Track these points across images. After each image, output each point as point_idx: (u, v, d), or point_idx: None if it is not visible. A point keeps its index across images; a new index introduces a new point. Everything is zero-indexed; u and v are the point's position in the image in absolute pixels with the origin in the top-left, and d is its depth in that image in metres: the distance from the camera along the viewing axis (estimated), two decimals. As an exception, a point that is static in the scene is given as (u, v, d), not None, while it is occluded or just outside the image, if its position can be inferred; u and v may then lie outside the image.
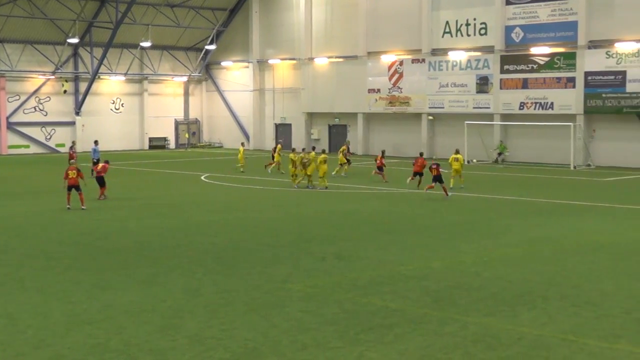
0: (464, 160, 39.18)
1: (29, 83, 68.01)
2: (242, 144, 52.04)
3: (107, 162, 35.92)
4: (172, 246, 23.03)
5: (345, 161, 45.49)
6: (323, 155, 38.65)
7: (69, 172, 31.20)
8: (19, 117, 67.47)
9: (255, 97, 73.23)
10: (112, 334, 14.06)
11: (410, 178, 38.01)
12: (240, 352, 13.06)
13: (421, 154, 40.28)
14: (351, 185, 39.78)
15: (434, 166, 34.61)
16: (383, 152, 44.90)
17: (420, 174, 38.01)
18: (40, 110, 68.64)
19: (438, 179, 34.36)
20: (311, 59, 67.97)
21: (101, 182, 34.15)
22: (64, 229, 26.45)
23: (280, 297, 16.74)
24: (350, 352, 13.01)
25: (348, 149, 47.80)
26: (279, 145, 49.53)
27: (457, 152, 38.70)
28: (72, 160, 32.66)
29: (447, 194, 34.44)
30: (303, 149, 55.34)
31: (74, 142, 52.25)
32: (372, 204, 33.04)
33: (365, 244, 23.22)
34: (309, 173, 38.67)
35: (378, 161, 42.74)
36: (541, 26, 54.65)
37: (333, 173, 43.70)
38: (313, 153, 39.68)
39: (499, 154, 54.51)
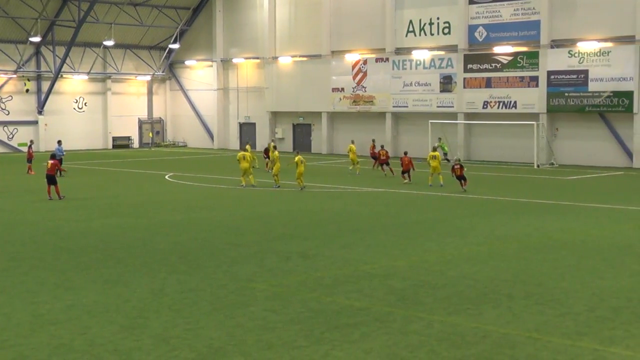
0: (441, 158, 39.70)
1: (-10, 82, 67.30)
2: (248, 143, 51.91)
3: (53, 157, 35.31)
4: (136, 246, 22.88)
5: (357, 161, 46.38)
6: (298, 157, 37.62)
7: None
8: (-20, 116, 66.82)
9: (219, 96, 73.00)
10: (76, 334, 13.94)
11: (406, 180, 39.82)
12: (205, 352, 13.01)
13: (405, 153, 41.78)
14: (319, 185, 39.76)
15: (457, 166, 36.53)
16: (382, 146, 46.78)
17: (407, 171, 39.84)
18: (2, 109, 67.82)
19: (462, 177, 36.24)
20: (275, 58, 67.88)
21: (51, 180, 33.78)
22: (26, 229, 26.18)
23: (245, 296, 16.70)
24: (316, 351, 13.01)
25: (374, 146, 49.48)
26: (272, 143, 48.94)
27: (434, 149, 39.48)
28: None
29: (464, 188, 36.21)
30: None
31: (31, 141, 51.85)
32: (338, 203, 33.05)
33: (330, 243, 23.22)
34: (274, 172, 38.67)
35: (384, 157, 44.66)
36: (504, 25, 55.04)
37: (350, 168, 46.09)
38: (276, 152, 39.55)
39: (445, 153, 52.45)
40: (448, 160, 52.05)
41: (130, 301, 16.30)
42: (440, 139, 54.34)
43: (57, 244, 23.22)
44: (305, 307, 15.77)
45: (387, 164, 44.56)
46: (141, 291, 17.17)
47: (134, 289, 17.34)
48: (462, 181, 36.34)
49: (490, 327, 14.33)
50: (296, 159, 37.54)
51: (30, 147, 49.18)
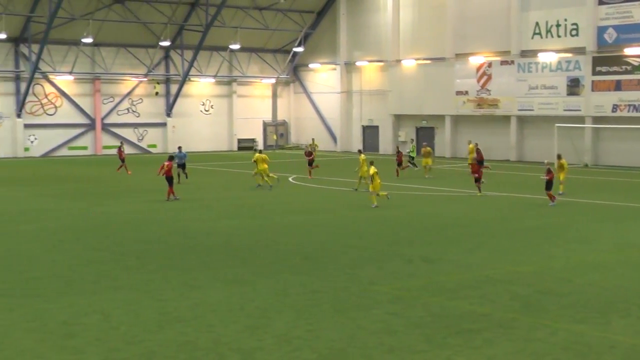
0: (567, 165, 36.76)
1: (123, 85, 69.56)
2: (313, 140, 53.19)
3: (171, 159, 36.01)
4: (259, 246, 23.24)
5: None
6: (372, 167, 32.93)
7: None
8: (112, 119, 69.11)
9: (342, 99, 73.33)
10: (202, 332, 14.27)
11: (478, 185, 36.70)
12: (326, 353, 13.10)
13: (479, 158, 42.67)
14: (439, 188, 39.44)
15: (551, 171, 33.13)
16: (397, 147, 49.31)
17: (479, 178, 36.76)
18: (133, 111, 70.10)
19: (551, 182, 32.85)
20: (398, 61, 67.73)
21: (170, 181, 34.62)
22: (154, 228, 26.92)
23: (367, 299, 16.73)
24: (437, 356, 12.93)
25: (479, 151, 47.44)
26: (428, 148, 48.32)
27: (559, 157, 36.83)
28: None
29: (552, 201, 32.61)
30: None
31: (122, 143, 53.46)
32: (453, 207, 32.73)
33: (451, 247, 23.04)
34: (362, 175, 37.42)
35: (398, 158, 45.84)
36: (636, 26, 53.29)
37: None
38: (362, 156, 38.58)
39: (411, 157, 49.05)
40: (415, 166, 48.40)
41: (254, 301, 16.56)
42: (412, 140, 53.08)
43: (183, 244, 23.80)
44: (428, 311, 15.69)
45: (400, 164, 45.64)
46: (264, 291, 17.42)
47: (257, 289, 17.61)
48: (551, 188, 32.89)
49: (619, 337, 13.93)
50: (372, 170, 32.70)
51: (120, 148, 50.55)
